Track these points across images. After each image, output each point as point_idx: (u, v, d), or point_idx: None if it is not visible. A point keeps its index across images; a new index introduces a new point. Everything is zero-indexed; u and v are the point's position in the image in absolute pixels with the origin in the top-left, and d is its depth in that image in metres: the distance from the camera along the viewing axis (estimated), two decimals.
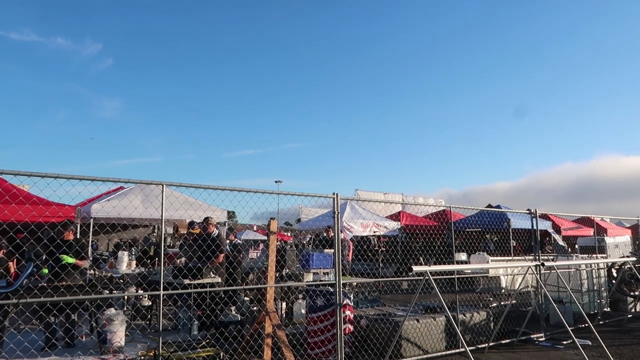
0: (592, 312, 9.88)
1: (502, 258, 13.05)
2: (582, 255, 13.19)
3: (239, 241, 10.25)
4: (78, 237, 7.43)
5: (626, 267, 10.14)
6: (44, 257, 7.20)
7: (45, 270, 7.36)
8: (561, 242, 18.03)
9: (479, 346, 7.18)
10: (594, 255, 13.00)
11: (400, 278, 8.99)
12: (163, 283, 4.89)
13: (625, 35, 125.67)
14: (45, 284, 6.44)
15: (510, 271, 10.87)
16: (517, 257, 13.62)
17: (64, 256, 6.88)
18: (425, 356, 6.66)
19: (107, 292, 8.34)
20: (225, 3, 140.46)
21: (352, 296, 8.23)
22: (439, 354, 6.81)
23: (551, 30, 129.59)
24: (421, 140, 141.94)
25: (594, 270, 10.55)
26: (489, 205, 18.94)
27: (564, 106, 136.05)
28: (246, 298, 9.09)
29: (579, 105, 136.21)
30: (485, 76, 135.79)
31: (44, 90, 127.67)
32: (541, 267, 7.46)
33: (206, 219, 8.51)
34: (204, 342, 6.78)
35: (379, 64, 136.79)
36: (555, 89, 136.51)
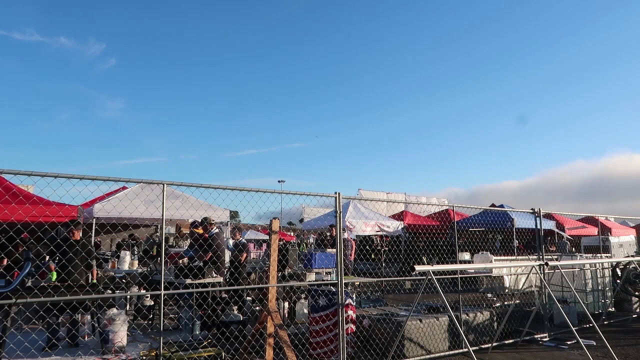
0: (596, 312, 9.80)
1: (506, 258, 12.98)
2: (587, 255, 13.11)
3: (243, 240, 10.22)
4: (88, 240, 7.44)
5: (631, 266, 10.07)
6: (55, 258, 7.15)
7: (54, 276, 7.31)
8: (567, 237, 17.93)
9: (483, 346, 7.13)
10: (599, 255, 12.92)
11: (403, 278, 8.95)
12: (164, 283, 4.86)
13: (638, 32, 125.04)
14: (45, 284, 6.43)
15: (514, 271, 10.81)
16: (520, 257, 13.55)
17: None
18: (428, 356, 6.61)
19: (109, 291, 8.33)
20: (229, 3, 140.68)
21: (354, 296, 8.18)
22: (442, 354, 6.76)
23: (564, 27, 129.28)
24: (426, 140, 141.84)
25: (598, 270, 10.48)
26: (493, 205, 18.86)
27: (576, 103, 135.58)
28: (248, 298, 9.06)
29: (590, 102, 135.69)
30: (495, 74, 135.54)
31: (47, 91, 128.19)
32: (545, 266, 7.41)
33: (205, 219, 8.55)
34: (205, 342, 6.76)
35: (384, 64, 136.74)
36: (566, 86, 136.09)
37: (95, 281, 7.54)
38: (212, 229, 8.41)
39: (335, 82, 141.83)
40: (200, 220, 9.17)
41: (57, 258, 7.00)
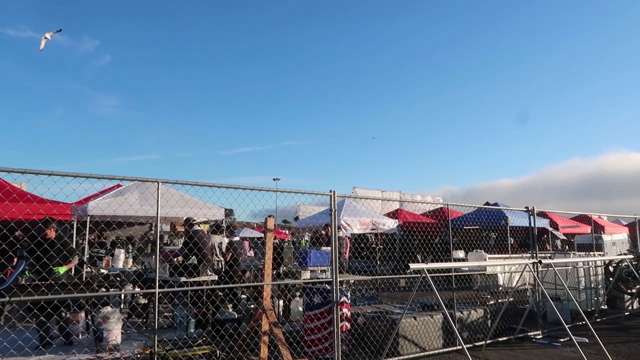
0: (589, 310, 9.87)
1: (500, 256, 13.04)
2: (580, 253, 13.20)
3: (236, 239, 10.21)
4: (60, 234, 7.18)
5: (623, 264, 10.15)
6: (29, 258, 7.02)
7: (26, 273, 7.23)
8: (562, 237, 18.06)
9: (476, 344, 7.17)
10: (592, 253, 13.01)
11: (398, 276, 8.97)
12: (159, 281, 4.85)
13: (635, 33, 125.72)
14: (39, 282, 6.38)
15: (508, 269, 10.87)
16: (514, 255, 13.63)
17: (58, 268, 6.74)
18: (422, 354, 6.64)
19: (104, 289, 8.30)
20: (225, 3, 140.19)
21: (349, 294, 8.21)
22: (436, 351, 6.80)
23: (562, 28, 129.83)
24: (424, 139, 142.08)
25: (591, 268, 10.55)
26: (487, 203, 18.94)
27: (572, 102, 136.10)
28: (243, 296, 9.06)
29: (587, 101, 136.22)
30: (492, 74, 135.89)
31: (41, 88, 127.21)
32: (538, 264, 7.46)
33: (187, 219, 8.63)
34: (200, 340, 6.76)
35: (381, 63, 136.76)
36: (563, 85, 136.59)
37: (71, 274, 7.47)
38: (194, 227, 8.52)
39: (332, 80, 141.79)
40: (198, 220, 9.21)
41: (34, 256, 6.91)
